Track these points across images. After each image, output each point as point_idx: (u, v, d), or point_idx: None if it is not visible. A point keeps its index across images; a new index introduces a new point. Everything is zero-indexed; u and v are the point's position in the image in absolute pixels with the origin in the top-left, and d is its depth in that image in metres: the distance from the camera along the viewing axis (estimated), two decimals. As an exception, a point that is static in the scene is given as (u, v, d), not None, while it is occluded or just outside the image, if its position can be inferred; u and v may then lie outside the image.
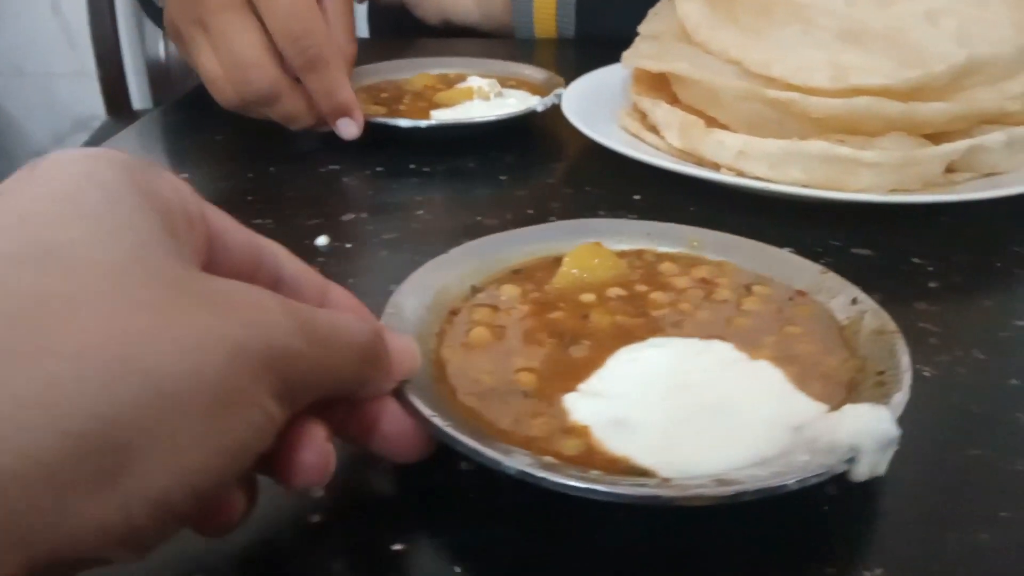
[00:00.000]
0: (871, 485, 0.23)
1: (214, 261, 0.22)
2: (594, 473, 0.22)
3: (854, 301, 0.30)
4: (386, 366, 0.23)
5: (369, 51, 0.71)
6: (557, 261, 0.32)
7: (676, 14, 0.49)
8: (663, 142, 0.47)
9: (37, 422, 0.14)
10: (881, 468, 0.22)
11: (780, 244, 0.40)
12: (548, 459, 0.23)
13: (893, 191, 0.41)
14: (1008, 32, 0.42)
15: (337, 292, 0.26)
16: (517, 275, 0.32)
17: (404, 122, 0.51)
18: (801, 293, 0.31)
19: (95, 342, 0.16)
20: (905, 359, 0.26)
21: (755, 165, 0.42)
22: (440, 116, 0.55)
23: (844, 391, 0.26)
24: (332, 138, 0.55)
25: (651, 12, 0.53)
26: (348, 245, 0.40)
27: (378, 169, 0.49)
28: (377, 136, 0.54)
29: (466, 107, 0.56)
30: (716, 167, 0.44)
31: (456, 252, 0.32)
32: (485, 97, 0.57)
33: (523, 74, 0.62)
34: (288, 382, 0.19)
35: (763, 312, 0.30)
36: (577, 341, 0.29)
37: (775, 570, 0.23)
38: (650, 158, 0.44)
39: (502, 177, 0.49)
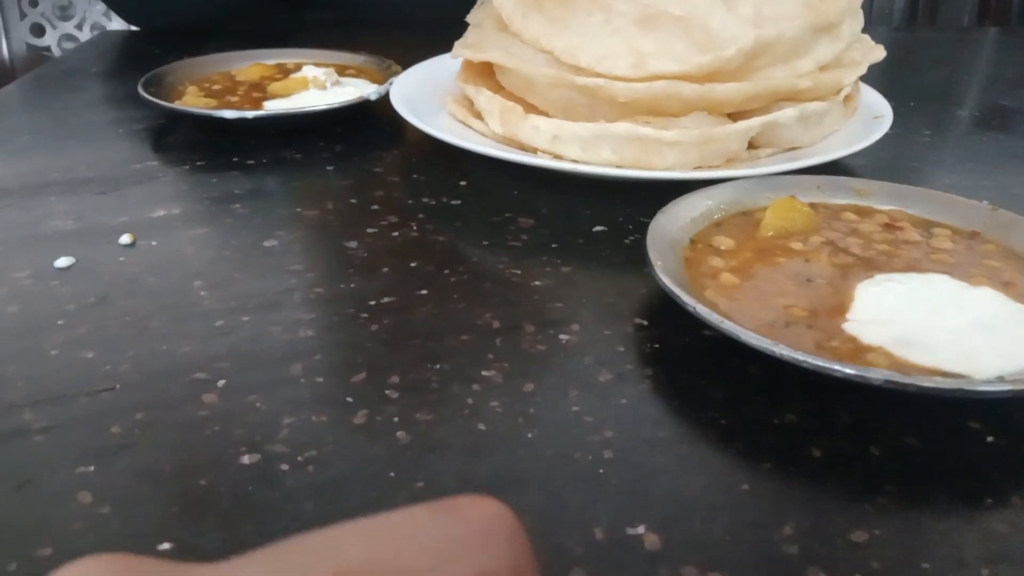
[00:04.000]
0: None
1: None
2: (939, 378, 0.26)
3: None
4: None
5: (212, 42, 0.69)
6: (745, 214, 0.37)
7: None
8: (488, 128, 0.47)
9: None
10: None
11: (594, 222, 0.41)
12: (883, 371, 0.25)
13: (698, 168, 0.43)
14: (795, 11, 0.44)
15: None
16: (720, 227, 0.36)
17: (229, 113, 0.50)
18: (976, 233, 0.35)
19: None
20: None
21: (569, 148, 0.43)
22: (273, 107, 0.54)
23: None
24: (158, 134, 0.53)
25: (479, 1, 0.54)
26: (153, 243, 0.39)
27: (198, 163, 0.48)
28: (205, 129, 0.53)
29: (301, 97, 0.55)
30: (534, 151, 0.45)
31: (669, 210, 0.35)
32: (321, 86, 0.56)
33: (362, 62, 0.61)
34: None
35: (955, 249, 0.34)
36: (813, 280, 0.32)
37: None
38: (469, 144, 0.44)
39: (328, 167, 0.48)
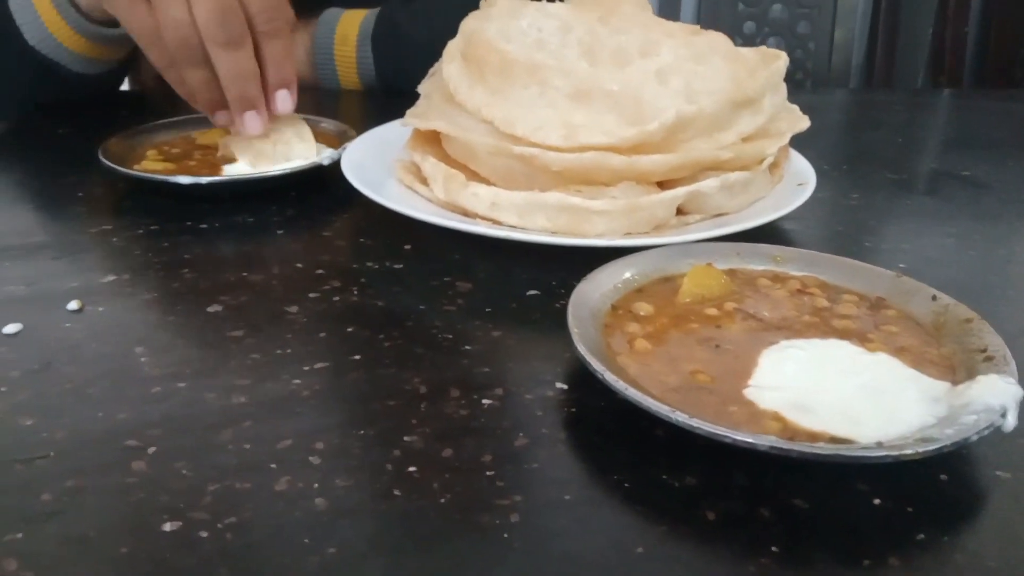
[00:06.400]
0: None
1: None
2: (820, 444, 0.28)
3: (934, 298, 0.36)
4: None
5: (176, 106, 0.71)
6: (667, 280, 0.39)
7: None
8: (433, 194, 0.50)
9: None
10: (1015, 421, 0.28)
11: (528, 287, 0.43)
12: (770, 437, 0.27)
13: (627, 234, 0.45)
14: (724, 85, 0.47)
15: None
16: (641, 294, 0.38)
17: (184, 179, 0.52)
18: (881, 299, 0.38)
19: None
20: (999, 339, 0.32)
21: (507, 215, 0.46)
22: (230, 171, 0.56)
23: (951, 372, 0.32)
24: (116, 198, 0.55)
25: (430, 71, 0.56)
26: (100, 308, 0.40)
27: (152, 228, 0.49)
28: (162, 194, 0.54)
29: (264, 154, 0.57)
30: (475, 216, 0.47)
31: (593, 278, 0.37)
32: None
33: (319, 127, 0.64)
34: None
35: (858, 315, 0.37)
36: (721, 346, 0.34)
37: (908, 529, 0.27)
38: (410, 211, 0.46)
39: (279, 231, 0.50)
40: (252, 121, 0.54)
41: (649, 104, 0.46)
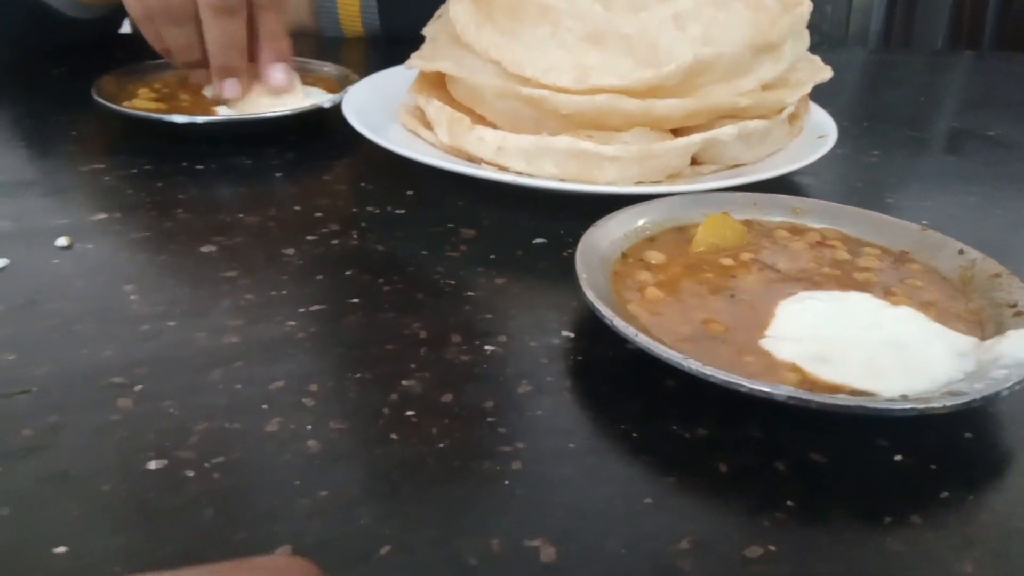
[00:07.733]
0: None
1: None
2: (842, 395, 0.26)
3: (961, 252, 0.35)
4: None
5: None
6: (680, 230, 0.37)
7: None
8: (437, 138, 0.48)
9: None
10: None
11: (534, 235, 0.41)
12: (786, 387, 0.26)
13: (639, 183, 0.43)
14: (745, 32, 0.45)
15: None
16: (653, 242, 0.36)
17: (179, 118, 0.50)
18: (905, 252, 0.36)
19: None
20: None
21: (514, 160, 0.44)
22: (226, 112, 0.54)
23: (979, 327, 0.31)
24: (110, 137, 0.53)
25: (436, 14, 0.54)
26: (90, 246, 0.39)
27: (146, 167, 0.48)
28: (157, 134, 0.52)
29: (254, 103, 0.55)
30: (480, 162, 0.45)
31: (603, 224, 0.36)
32: (275, 93, 0.56)
33: (321, 71, 0.62)
34: None
35: (881, 268, 0.35)
36: (736, 295, 0.33)
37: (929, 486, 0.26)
38: (413, 154, 0.45)
39: (277, 174, 0.48)
40: (232, 87, 0.54)
41: (666, 49, 0.43)
